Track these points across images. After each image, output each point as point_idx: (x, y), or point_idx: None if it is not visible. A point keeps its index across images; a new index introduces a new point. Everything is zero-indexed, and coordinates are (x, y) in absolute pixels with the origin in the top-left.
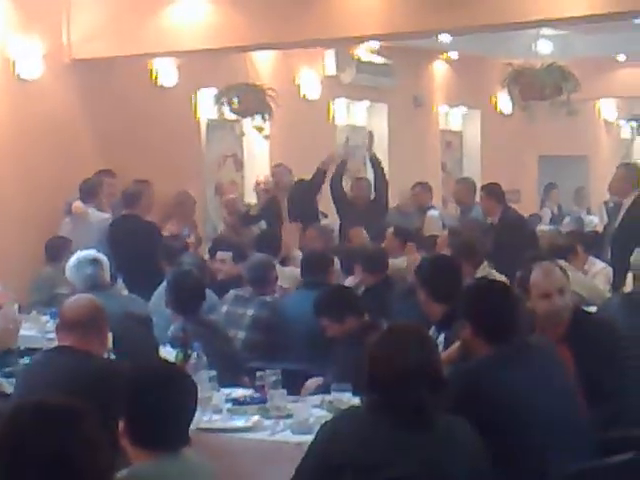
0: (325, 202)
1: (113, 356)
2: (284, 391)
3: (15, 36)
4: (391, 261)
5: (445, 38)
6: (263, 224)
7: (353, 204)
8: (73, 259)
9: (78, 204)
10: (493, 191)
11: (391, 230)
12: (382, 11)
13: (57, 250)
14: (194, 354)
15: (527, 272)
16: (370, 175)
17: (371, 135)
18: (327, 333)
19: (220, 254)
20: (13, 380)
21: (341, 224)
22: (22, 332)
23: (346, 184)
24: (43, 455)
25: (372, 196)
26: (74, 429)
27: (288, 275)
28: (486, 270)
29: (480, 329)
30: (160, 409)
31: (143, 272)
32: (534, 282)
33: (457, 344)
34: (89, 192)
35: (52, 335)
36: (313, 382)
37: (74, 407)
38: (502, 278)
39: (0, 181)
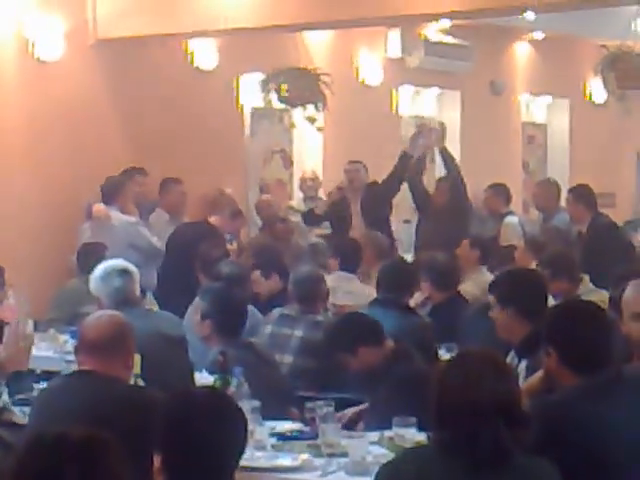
0: None
1: (141, 382)
2: (338, 425)
3: (34, 13)
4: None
5: (529, 15)
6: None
7: (434, 204)
8: (99, 269)
9: (99, 207)
10: (582, 194)
11: (466, 240)
12: None
13: (89, 259)
14: (234, 381)
15: (621, 290)
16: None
17: (443, 126)
18: (350, 370)
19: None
20: (26, 408)
21: (417, 231)
22: (38, 353)
23: None
24: None
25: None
26: (97, 466)
27: (359, 293)
28: (588, 287)
29: (567, 358)
30: (205, 447)
31: (177, 284)
32: (626, 300)
33: (539, 374)
34: (112, 192)
35: (72, 357)
36: (352, 410)
37: (97, 441)
38: (605, 299)
39: (14, 178)
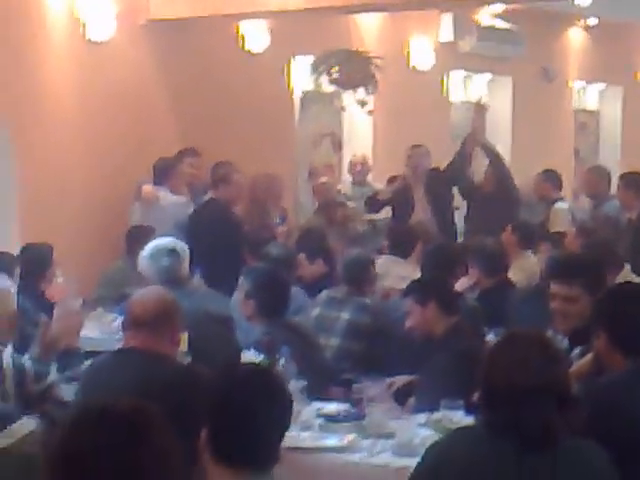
0: None
1: (189, 359)
2: (386, 406)
3: None
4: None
5: (583, 1)
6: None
7: (478, 193)
8: (148, 248)
9: (148, 187)
10: (633, 181)
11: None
12: None
13: (138, 242)
14: (281, 360)
15: None
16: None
17: (483, 108)
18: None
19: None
20: (75, 386)
21: (466, 217)
22: (85, 332)
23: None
24: (109, 467)
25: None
26: (144, 438)
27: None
28: (628, 277)
29: (617, 340)
30: (250, 420)
31: (224, 266)
32: None
33: (589, 356)
34: (163, 173)
35: (119, 336)
36: (402, 379)
37: (144, 413)
38: None
39: (65, 158)
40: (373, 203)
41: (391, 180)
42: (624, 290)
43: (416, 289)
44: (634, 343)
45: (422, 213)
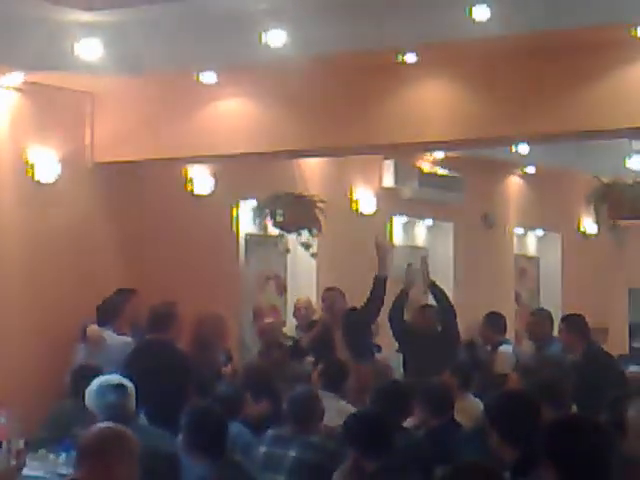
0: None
1: None
2: None
3: (33, 136)
4: None
5: (522, 149)
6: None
7: (418, 336)
8: (95, 384)
9: (93, 328)
10: (575, 323)
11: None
12: (450, 115)
13: (84, 381)
14: None
15: (616, 414)
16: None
17: (424, 261)
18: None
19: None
20: None
21: (405, 360)
22: (28, 472)
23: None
24: None
25: (439, 327)
26: None
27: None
28: None
29: (566, 471)
30: None
31: (169, 405)
32: (632, 420)
33: None
34: (107, 314)
35: (64, 471)
36: None
37: None
38: None
39: (9, 297)
40: (296, 351)
41: (311, 325)
42: (571, 421)
43: (343, 430)
44: (585, 474)
45: (342, 354)
